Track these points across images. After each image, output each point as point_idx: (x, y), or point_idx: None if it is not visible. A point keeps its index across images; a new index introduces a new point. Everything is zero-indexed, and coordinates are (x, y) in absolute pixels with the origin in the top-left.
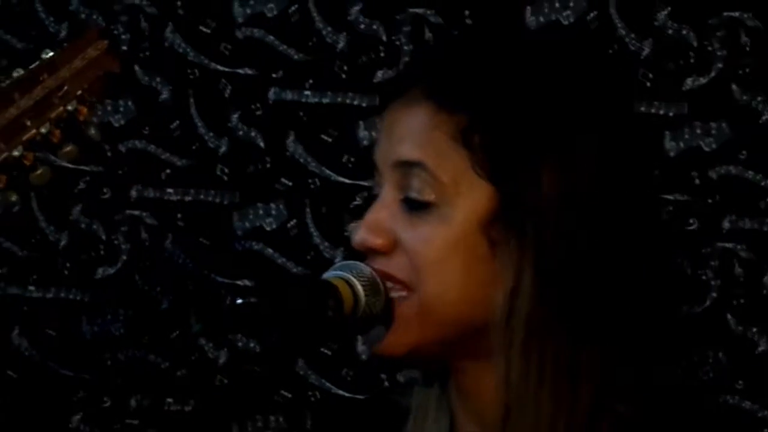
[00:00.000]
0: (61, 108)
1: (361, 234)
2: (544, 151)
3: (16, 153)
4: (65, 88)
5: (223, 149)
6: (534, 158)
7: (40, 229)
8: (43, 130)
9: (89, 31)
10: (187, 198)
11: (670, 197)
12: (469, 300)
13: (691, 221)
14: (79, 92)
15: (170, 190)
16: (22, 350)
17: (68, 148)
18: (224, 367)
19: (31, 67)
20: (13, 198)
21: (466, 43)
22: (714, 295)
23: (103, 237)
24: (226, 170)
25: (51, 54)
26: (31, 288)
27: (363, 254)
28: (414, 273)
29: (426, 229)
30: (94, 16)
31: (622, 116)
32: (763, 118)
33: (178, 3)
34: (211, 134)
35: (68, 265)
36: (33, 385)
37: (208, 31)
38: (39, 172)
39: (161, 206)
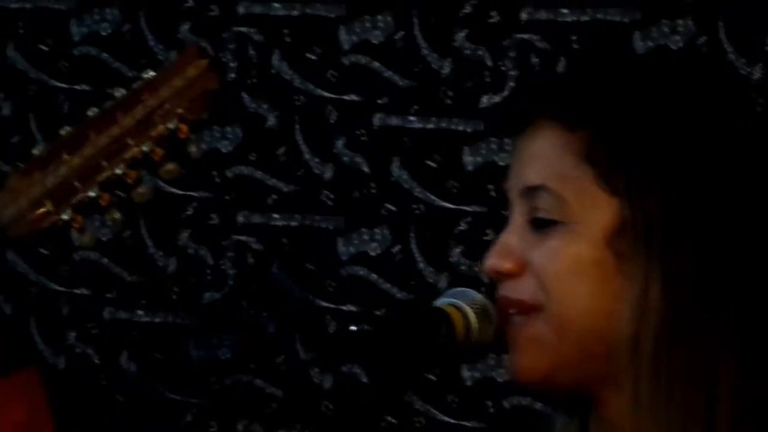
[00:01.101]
0: (162, 126)
1: (490, 260)
2: (668, 161)
3: (118, 171)
4: (166, 106)
5: (328, 175)
6: (658, 169)
7: (149, 255)
8: (144, 149)
9: (189, 49)
10: (293, 223)
11: None
12: (597, 314)
13: None
14: (180, 111)
15: (276, 216)
16: (130, 374)
17: (169, 167)
18: (330, 392)
19: (132, 86)
20: (116, 216)
21: (583, 63)
22: None
23: (211, 262)
24: (331, 196)
25: (152, 74)
26: (140, 312)
27: (492, 281)
28: (542, 290)
29: (553, 244)
30: (203, 44)
31: (741, 125)
32: None
33: (285, 31)
34: (317, 160)
35: (176, 289)
36: (141, 408)
37: (314, 58)
38: (141, 189)
39: (267, 232)
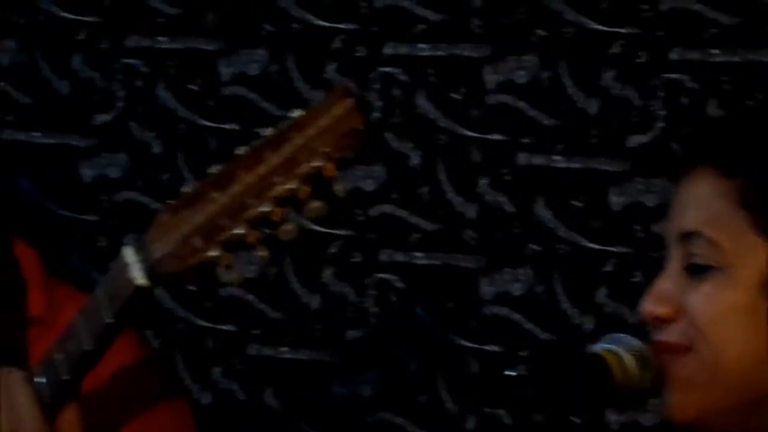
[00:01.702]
0: (309, 165)
1: (647, 305)
2: None
3: (265, 209)
4: (312, 145)
5: (471, 214)
6: None
7: (293, 292)
8: (291, 187)
9: (335, 89)
10: (435, 262)
11: None
12: (751, 361)
13: None
14: (326, 149)
15: (419, 255)
16: (274, 410)
17: (315, 205)
18: None
19: (280, 126)
20: (263, 253)
21: (738, 108)
22: None
23: (353, 300)
24: (474, 235)
25: (299, 113)
26: (284, 349)
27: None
28: (695, 332)
29: (708, 289)
30: (349, 84)
31: None
32: None
33: (430, 71)
34: (460, 199)
35: (319, 327)
36: None
37: (459, 97)
38: (287, 227)
39: (410, 270)
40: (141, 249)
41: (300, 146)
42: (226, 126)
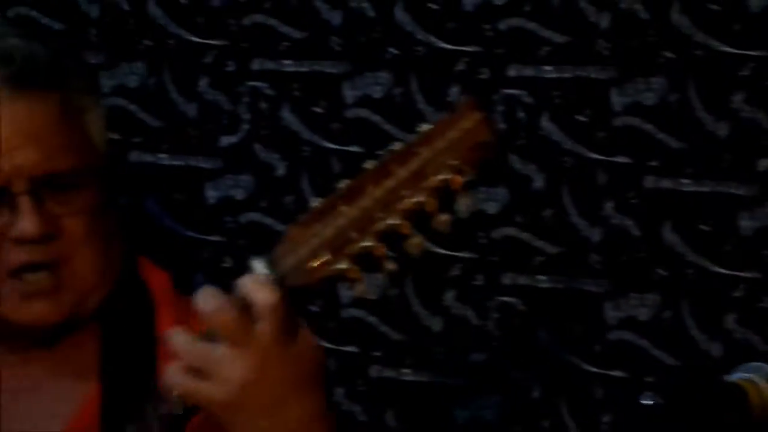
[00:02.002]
0: (436, 178)
1: None
2: None
3: (393, 222)
4: (440, 158)
5: (596, 238)
6: None
7: (414, 314)
8: (419, 200)
9: (464, 102)
10: (559, 286)
11: None
12: None
13: None
14: (454, 162)
15: (542, 278)
16: None
17: (443, 218)
18: None
19: (408, 140)
20: (390, 267)
21: None
22: None
23: (475, 323)
24: (599, 259)
25: (427, 126)
26: (406, 371)
27: None
28: None
29: None
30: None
31: None
32: None
33: (555, 93)
34: (584, 222)
35: (441, 349)
36: None
37: (585, 119)
38: (415, 240)
39: (533, 293)
40: (271, 262)
41: (428, 159)
42: (350, 148)
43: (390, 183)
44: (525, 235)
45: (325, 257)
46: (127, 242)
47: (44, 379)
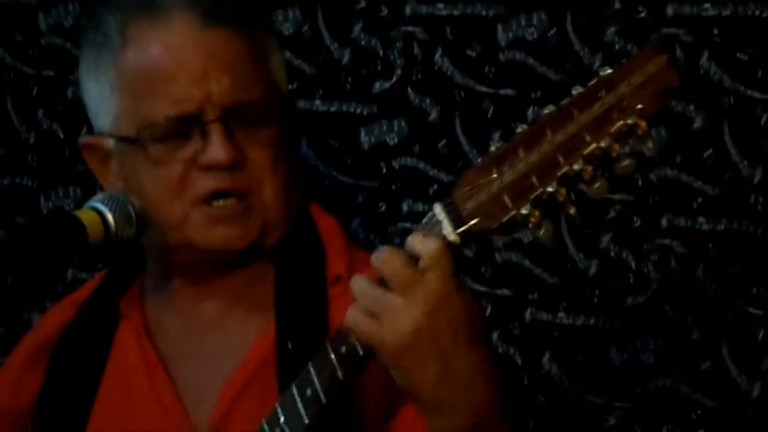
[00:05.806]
0: (621, 123)
1: None
2: None
3: (576, 167)
4: (625, 103)
5: (758, 177)
6: None
7: (570, 257)
8: (602, 145)
9: (647, 46)
10: (719, 227)
11: None
12: None
13: None
14: (639, 106)
15: (702, 219)
16: (552, 375)
17: (626, 162)
18: (757, 400)
19: (589, 84)
20: (573, 212)
21: None
22: None
23: (633, 266)
24: (761, 200)
25: (609, 70)
26: (561, 315)
27: None
28: None
29: None
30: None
31: None
32: None
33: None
34: (745, 162)
35: (597, 293)
36: (562, 410)
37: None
38: (598, 184)
39: (692, 235)
40: (451, 206)
41: (612, 104)
42: (503, 91)
43: (572, 128)
44: (684, 177)
45: (507, 202)
46: (301, 186)
47: (219, 315)
